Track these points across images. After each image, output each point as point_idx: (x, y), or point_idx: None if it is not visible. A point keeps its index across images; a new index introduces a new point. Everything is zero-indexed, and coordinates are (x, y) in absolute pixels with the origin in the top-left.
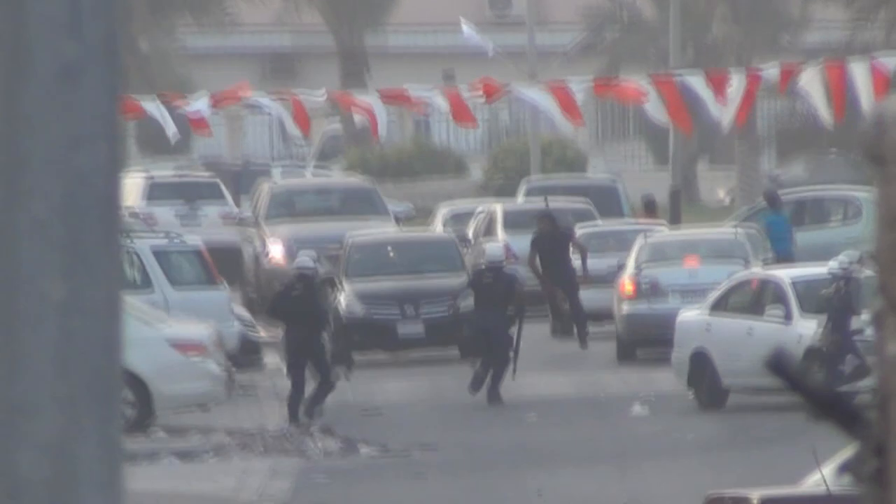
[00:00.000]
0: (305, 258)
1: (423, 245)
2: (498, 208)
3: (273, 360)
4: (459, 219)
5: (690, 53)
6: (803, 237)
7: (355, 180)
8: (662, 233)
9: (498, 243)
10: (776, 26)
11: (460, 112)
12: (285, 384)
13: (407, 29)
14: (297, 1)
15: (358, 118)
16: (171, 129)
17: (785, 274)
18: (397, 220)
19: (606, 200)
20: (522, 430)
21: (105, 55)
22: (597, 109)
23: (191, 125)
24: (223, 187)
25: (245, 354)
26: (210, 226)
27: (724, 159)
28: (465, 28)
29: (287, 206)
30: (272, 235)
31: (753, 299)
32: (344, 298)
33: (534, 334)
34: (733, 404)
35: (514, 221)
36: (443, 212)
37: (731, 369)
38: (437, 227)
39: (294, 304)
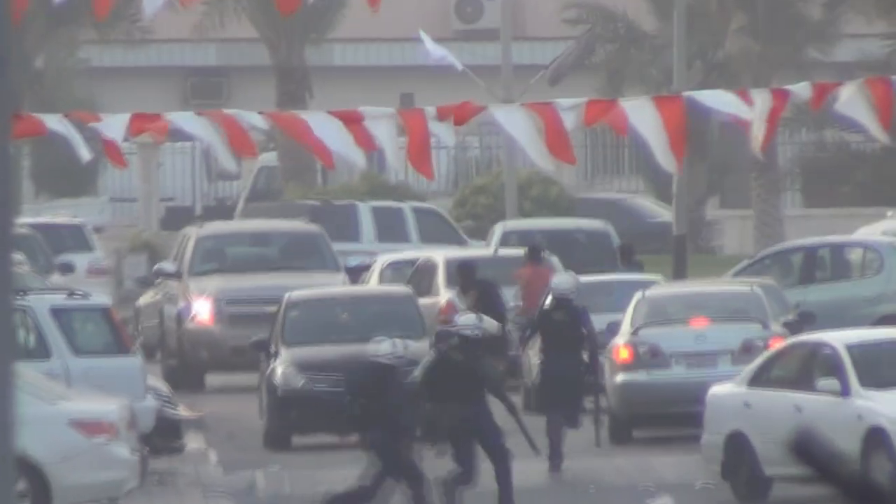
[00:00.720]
0: (471, 317)
1: (376, 302)
2: (439, 259)
3: (196, 443)
4: (399, 270)
5: (699, 71)
6: (813, 294)
7: (299, 225)
8: (664, 288)
9: (567, 273)
10: (800, 40)
11: (418, 154)
12: (208, 472)
13: (356, 43)
14: (222, 9)
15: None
16: (83, 152)
17: (839, 339)
18: (351, 272)
19: (598, 248)
20: None
21: None
22: (586, 139)
23: (106, 152)
24: (88, 234)
25: (162, 436)
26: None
27: (737, 201)
28: (427, 41)
29: (216, 257)
30: (198, 292)
31: (801, 370)
32: (280, 368)
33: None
34: (778, 497)
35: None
36: (379, 262)
37: (775, 455)
38: (372, 281)
39: (455, 372)
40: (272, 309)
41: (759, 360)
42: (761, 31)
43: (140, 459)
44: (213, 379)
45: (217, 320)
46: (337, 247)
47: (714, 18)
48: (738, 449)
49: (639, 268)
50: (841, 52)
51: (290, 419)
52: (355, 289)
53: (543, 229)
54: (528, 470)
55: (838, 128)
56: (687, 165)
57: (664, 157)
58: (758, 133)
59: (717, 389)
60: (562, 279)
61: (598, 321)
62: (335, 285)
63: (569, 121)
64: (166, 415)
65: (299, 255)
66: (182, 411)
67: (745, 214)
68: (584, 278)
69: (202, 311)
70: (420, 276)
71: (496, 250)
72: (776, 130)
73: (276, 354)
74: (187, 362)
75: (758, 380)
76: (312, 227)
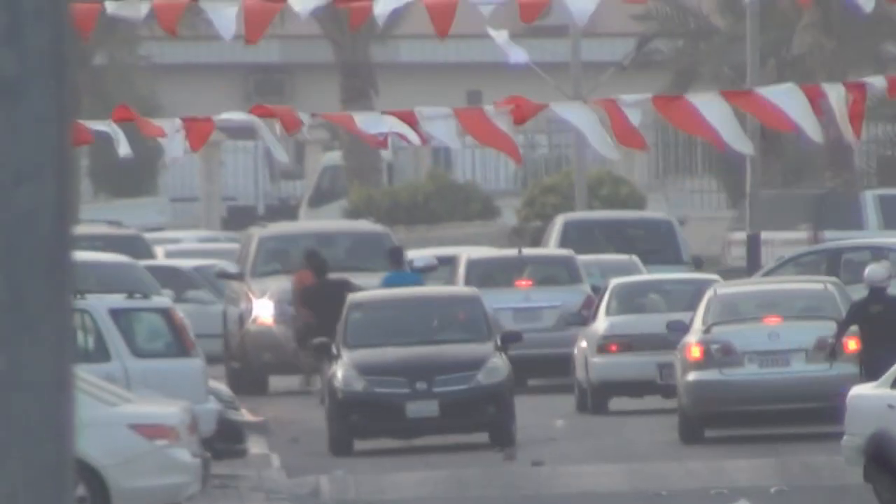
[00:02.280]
0: (879, 269)
1: (442, 304)
2: (462, 258)
3: (258, 447)
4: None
5: (772, 68)
6: None
7: (364, 225)
8: (736, 285)
9: (880, 263)
10: (877, 36)
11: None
12: (271, 476)
13: (422, 39)
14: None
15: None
16: (122, 148)
17: None
18: (416, 272)
19: (661, 243)
20: None
21: (50, 68)
22: (657, 138)
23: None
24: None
25: (224, 440)
26: None
27: None
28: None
29: (279, 258)
30: (259, 293)
31: None
32: (341, 370)
33: (559, 407)
34: None
35: (483, 274)
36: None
37: None
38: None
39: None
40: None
41: None
42: (834, 26)
43: (201, 463)
44: (277, 382)
45: (279, 321)
46: (839, 235)
47: (788, 13)
48: (882, 451)
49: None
50: None
51: (350, 423)
52: (420, 290)
53: (604, 220)
54: (598, 472)
55: None
56: (761, 164)
57: (739, 142)
58: (843, 124)
59: (859, 390)
60: (875, 269)
61: (659, 320)
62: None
63: (633, 116)
64: (228, 418)
65: (364, 255)
66: (244, 414)
67: None
68: (643, 277)
69: (263, 312)
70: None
71: (520, 251)
72: (862, 121)
73: (338, 357)
74: (249, 364)
75: None
76: (378, 228)
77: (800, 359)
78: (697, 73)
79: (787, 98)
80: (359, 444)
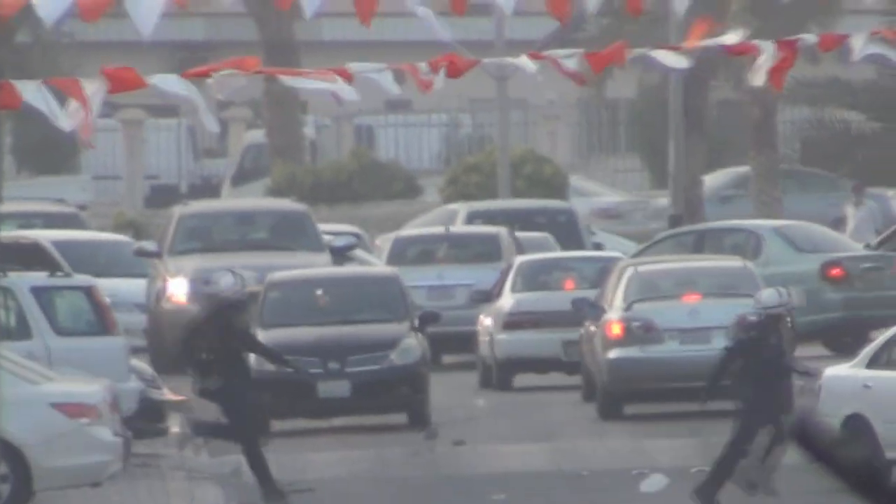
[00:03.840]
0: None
1: (359, 284)
2: (391, 236)
3: (180, 425)
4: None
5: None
6: None
7: (285, 204)
8: (656, 263)
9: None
10: (801, 18)
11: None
12: (192, 455)
13: (345, 18)
14: None
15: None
16: (62, 122)
17: None
18: (337, 253)
19: (563, 230)
20: None
21: None
22: (580, 117)
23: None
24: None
25: (145, 419)
26: None
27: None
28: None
29: (199, 236)
30: (174, 271)
31: None
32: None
33: (464, 384)
34: None
35: (402, 254)
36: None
37: None
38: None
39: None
40: (252, 289)
41: (878, 341)
42: (760, 10)
43: (123, 442)
44: None
45: (193, 300)
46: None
47: None
48: (856, 431)
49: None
50: (842, 29)
51: (263, 403)
52: (337, 270)
53: (507, 209)
54: (519, 452)
55: (836, 106)
56: (684, 144)
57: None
58: (759, 70)
59: (834, 371)
60: (769, 293)
61: (564, 298)
62: (319, 265)
63: (570, 62)
64: (150, 397)
65: (284, 234)
66: (166, 393)
67: (742, 194)
68: (549, 255)
69: (177, 290)
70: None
71: (448, 228)
72: (785, 75)
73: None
74: (164, 343)
75: (878, 361)
76: (298, 207)
77: (720, 336)
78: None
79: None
80: (281, 424)
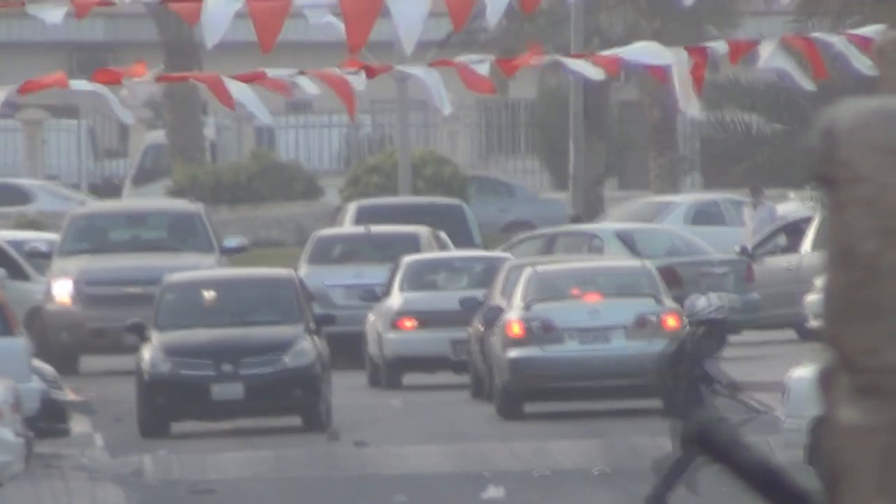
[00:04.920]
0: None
1: (254, 285)
2: (314, 234)
3: (82, 426)
4: None
5: (596, 48)
6: None
7: (178, 204)
8: (555, 263)
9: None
10: (699, 16)
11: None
12: (95, 456)
13: (247, 18)
14: None
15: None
16: None
17: None
18: (228, 253)
19: (453, 226)
20: None
21: None
22: (480, 118)
23: None
24: None
25: (48, 419)
26: None
27: (636, 182)
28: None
29: (89, 237)
30: (60, 272)
31: None
32: (148, 352)
33: (353, 383)
34: None
35: (323, 253)
36: None
37: None
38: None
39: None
40: (135, 290)
41: None
42: (658, 9)
43: (25, 443)
44: (96, 362)
45: (76, 301)
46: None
47: None
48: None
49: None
50: (742, 32)
51: (156, 405)
52: (233, 271)
53: (396, 205)
54: (422, 453)
55: (737, 107)
56: (585, 145)
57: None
58: (685, 91)
59: (800, 372)
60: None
61: (452, 297)
62: (205, 266)
63: (480, 68)
64: (52, 397)
65: (174, 235)
66: (68, 394)
67: (644, 195)
68: (436, 254)
69: (61, 291)
70: None
71: (368, 228)
72: (701, 88)
73: (149, 338)
74: (48, 344)
75: None
76: (192, 207)
77: (620, 335)
78: (521, 52)
79: (636, 54)
80: (181, 427)
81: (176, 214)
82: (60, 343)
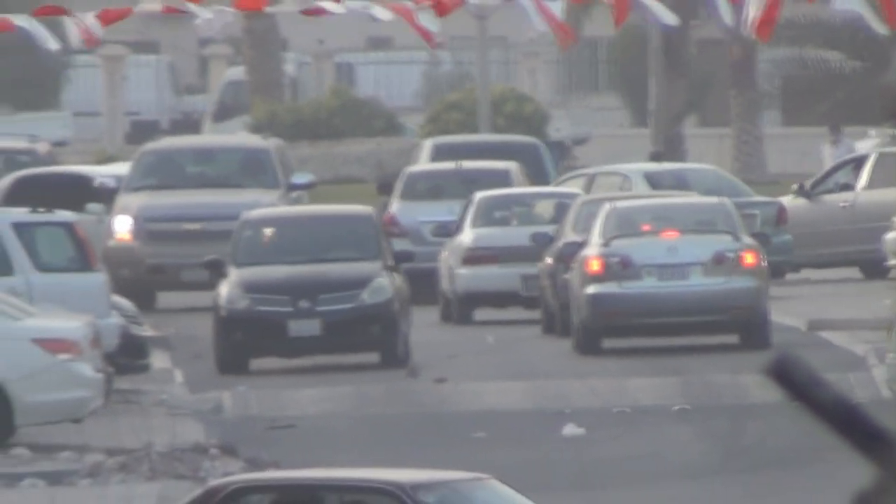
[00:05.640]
0: None
1: (332, 223)
2: (404, 171)
3: (161, 362)
4: None
5: None
6: None
7: (247, 140)
8: (633, 200)
9: None
10: None
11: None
12: (174, 392)
13: None
14: None
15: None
16: (51, 43)
17: None
18: (296, 189)
19: (528, 163)
20: (467, 449)
21: None
22: (560, 55)
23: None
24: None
25: (127, 355)
26: None
27: (717, 119)
28: None
29: (156, 173)
30: (123, 208)
31: None
32: (226, 288)
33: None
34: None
35: (413, 188)
36: None
37: None
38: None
39: None
40: (193, 226)
41: None
42: None
43: (104, 378)
44: (174, 298)
45: (135, 237)
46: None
47: None
48: None
49: None
50: None
51: (234, 341)
52: (312, 208)
53: (471, 143)
54: (500, 390)
55: (817, 45)
56: (664, 82)
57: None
58: (754, 14)
59: None
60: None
61: (523, 233)
62: (266, 203)
63: (556, 8)
64: (131, 332)
65: (241, 172)
66: (148, 329)
67: (723, 133)
68: (507, 190)
69: (122, 227)
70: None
71: (459, 164)
72: (772, 26)
73: (226, 275)
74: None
75: None
76: (261, 143)
77: (697, 272)
78: None
79: None
80: (260, 363)
81: (244, 150)
82: (121, 279)
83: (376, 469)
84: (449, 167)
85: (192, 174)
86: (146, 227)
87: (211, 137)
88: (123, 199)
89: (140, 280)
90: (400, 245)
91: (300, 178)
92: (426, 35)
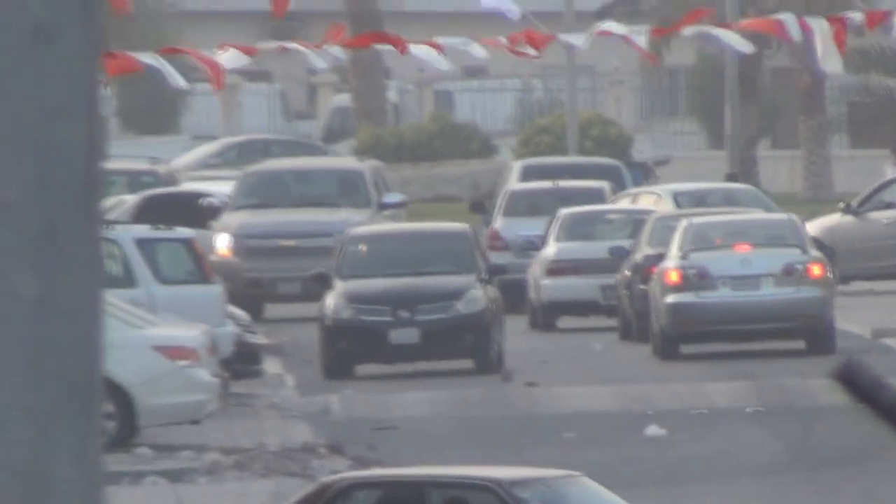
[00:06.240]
0: None
1: (430, 239)
2: (504, 189)
3: (274, 368)
4: None
5: (751, 17)
6: None
7: (343, 162)
8: (708, 216)
9: None
10: None
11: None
12: (285, 395)
13: None
14: None
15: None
16: (177, 80)
17: None
18: (386, 209)
19: (610, 182)
20: (558, 448)
21: (81, 14)
22: (643, 82)
23: (211, 74)
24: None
25: (241, 361)
26: None
27: (787, 142)
28: None
29: (257, 193)
30: (224, 226)
31: None
32: (332, 299)
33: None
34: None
35: (514, 206)
36: None
37: None
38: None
39: None
40: (288, 243)
41: None
42: None
43: (220, 383)
44: (280, 309)
45: (234, 253)
46: None
47: None
48: None
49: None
50: (886, 4)
51: (338, 349)
52: (411, 225)
53: (557, 164)
54: (588, 393)
55: (880, 72)
56: (739, 108)
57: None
58: (826, 54)
59: None
60: None
61: (602, 247)
62: (357, 221)
63: (639, 40)
64: (246, 340)
65: (336, 192)
66: (261, 337)
67: (794, 155)
68: (588, 207)
69: (222, 244)
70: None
71: (556, 183)
72: (843, 49)
73: (332, 286)
74: None
75: None
76: (356, 165)
77: (769, 283)
78: (680, 19)
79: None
80: (364, 369)
81: (339, 172)
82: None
83: (475, 467)
84: (547, 186)
85: (290, 194)
86: (245, 244)
87: (309, 160)
88: (226, 218)
89: (239, 293)
90: (503, 258)
91: (391, 197)
92: (525, 56)
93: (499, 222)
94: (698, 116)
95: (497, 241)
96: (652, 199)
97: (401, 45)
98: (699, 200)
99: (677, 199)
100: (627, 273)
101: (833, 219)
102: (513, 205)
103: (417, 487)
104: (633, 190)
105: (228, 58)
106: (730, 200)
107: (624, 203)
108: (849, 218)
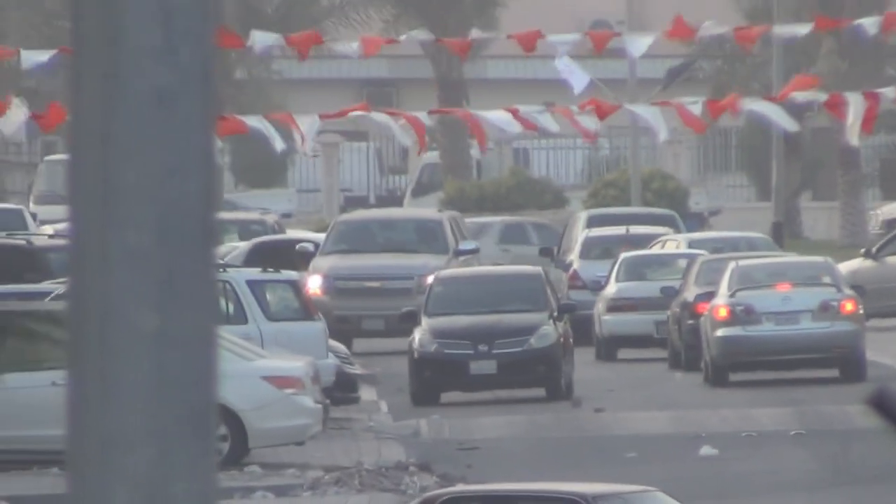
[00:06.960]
0: None
1: (507, 280)
2: (581, 235)
3: (369, 395)
4: None
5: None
6: None
7: (424, 213)
8: (753, 259)
9: None
10: (881, 59)
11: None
12: (380, 419)
13: (506, 59)
14: (398, 28)
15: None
16: (277, 143)
17: None
18: (460, 255)
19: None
20: (621, 467)
21: (199, 81)
22: (698, 141)
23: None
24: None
25: (341, 389)
26: None
27: (826, 195)
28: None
29: (346, 239)
30: (316, 268)
31: None
32: (419, 334)
33: (583, 358)
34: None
35: (590, 250)
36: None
37: None
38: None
39: None
40: (373, 284)
41: None
42: (846, 53)
43: (322, 409)
44: (369, 343)
45: (325, 293)
46: None
47: (808, 41)
48: None
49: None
50: None
51: (424, 379)
52: (491, 268)
53: (617, 214)
54: (648, 418)
55: None
56: (784, 164)
57: (784, 121)
58: (853, 127)
59: None
60: None
61: (656, 286)
62: (434, 266)
63: (694, 108)
64: (344, 371)
65: (417, 239)
66: (358, 368)
67: (832, 206)
68: (645, 252)
69: (314, 284)
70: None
71: (627, 230)
72: (874, 122)
73: (419, 324)
74: None
75: None
76: (435, 215)
77: (807, 318)
78: (732, 88)
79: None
80: (448, 396)
81: (419, 221)
82: None
83: (559, 483)
84: (619, 232)
85: (375, 240)
86: (335, 285)
87: (393, 210)
88: (318, 261)
89: (329, 329)
90: (581, 296)
91: (466, 245)
92: (587, 133)
93: (577, 264)
94: (747, 171)
95: (577, 281)
96: (673, 245)
97: (470, 119)
98: (714, 248)
99: (691, 245)
100: (677, 310)
101: (855, 262)
102: (588, 249)
103: (511, 501)
104: (661, 238)
105: (309, 124)
106: (735, 248)
107: (656, 248)
108: (869, 262)
